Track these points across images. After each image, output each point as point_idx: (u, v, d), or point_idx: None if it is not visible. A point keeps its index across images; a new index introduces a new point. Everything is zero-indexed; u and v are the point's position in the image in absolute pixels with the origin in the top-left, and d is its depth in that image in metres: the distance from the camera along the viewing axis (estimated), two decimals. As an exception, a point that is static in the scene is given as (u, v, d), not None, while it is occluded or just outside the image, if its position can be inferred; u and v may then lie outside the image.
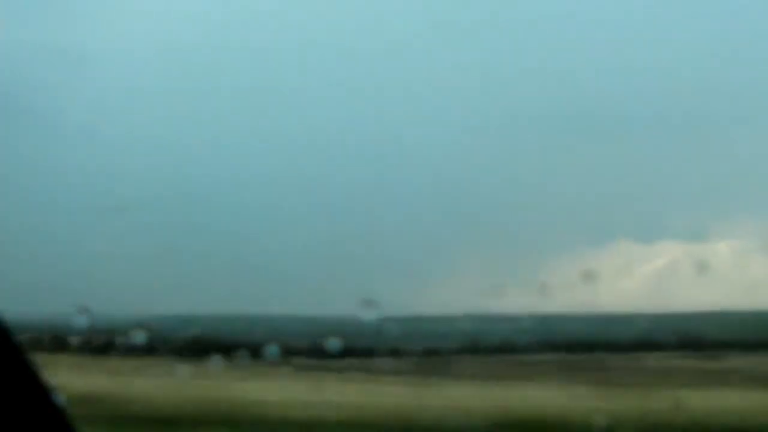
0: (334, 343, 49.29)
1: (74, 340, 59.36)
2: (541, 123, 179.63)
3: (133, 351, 53.01)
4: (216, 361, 46.73)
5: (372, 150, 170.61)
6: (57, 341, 55.37)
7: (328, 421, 31.72)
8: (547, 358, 70.71)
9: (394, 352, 64.85)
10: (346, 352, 55.91)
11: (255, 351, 50.43)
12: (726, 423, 30.68)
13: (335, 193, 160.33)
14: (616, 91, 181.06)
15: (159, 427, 30.85)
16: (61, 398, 2.69)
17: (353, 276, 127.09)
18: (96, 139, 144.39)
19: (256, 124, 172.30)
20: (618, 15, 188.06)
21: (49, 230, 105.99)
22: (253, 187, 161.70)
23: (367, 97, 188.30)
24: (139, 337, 45.86)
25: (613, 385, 48.12)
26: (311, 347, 60.45)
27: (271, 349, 51.00)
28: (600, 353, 76.25)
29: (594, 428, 27.59)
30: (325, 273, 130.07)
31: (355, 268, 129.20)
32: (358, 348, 61.38)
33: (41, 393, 2.64)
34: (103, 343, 59.92)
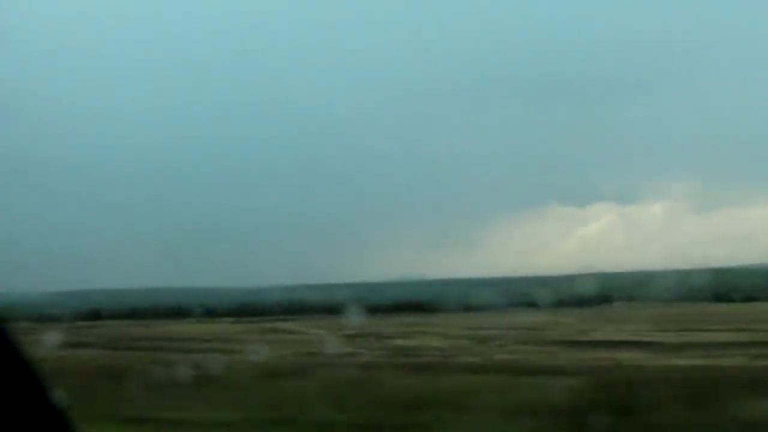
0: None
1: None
2: (472, 91, 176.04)
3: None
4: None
5: (304, 121, 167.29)
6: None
7: None
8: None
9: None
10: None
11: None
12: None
13: (269, 163, 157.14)
14: (543, 57, 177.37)
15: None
16: (61, 397, 2.57)
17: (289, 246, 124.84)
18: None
19: (181, 93, 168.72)
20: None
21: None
22: (181, 156, 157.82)
23: (294, 68, 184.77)
24: None
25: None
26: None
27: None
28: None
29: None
30: (264, 243, 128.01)
31: (291, 237, 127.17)
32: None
33: (40, 393, 2.53)
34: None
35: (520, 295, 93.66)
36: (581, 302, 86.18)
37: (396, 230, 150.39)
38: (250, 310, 74.80)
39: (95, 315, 69.57)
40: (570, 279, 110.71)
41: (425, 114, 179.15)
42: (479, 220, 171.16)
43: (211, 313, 70.11)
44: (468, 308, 79.70)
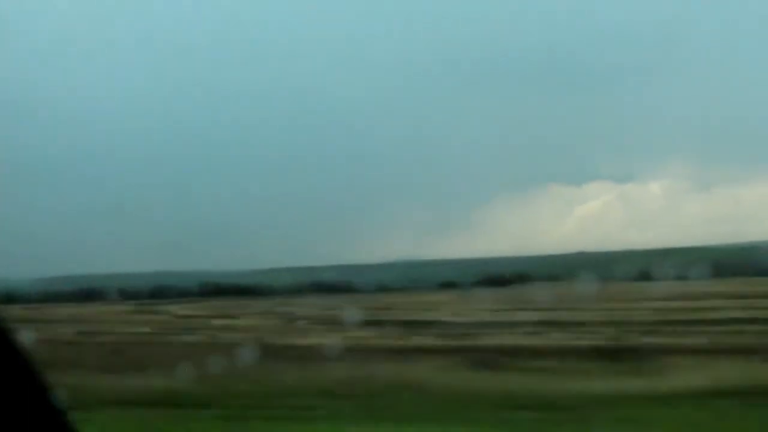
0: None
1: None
2: (469, 75, 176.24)
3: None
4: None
5: (306, 108, 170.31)
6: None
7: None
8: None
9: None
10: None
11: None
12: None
13: (271, 149, 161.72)
14: (541, 42, 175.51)
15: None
16: (60, 397, 2.57)
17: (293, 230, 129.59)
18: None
19: (172, 78, 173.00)
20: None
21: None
22: (183, 144, 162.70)
23: (292, 53, 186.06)
24: None
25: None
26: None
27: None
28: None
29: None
30: (266, 228, 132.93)
31: (293, 221, 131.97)
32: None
33: (40, 393, 2.52)
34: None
35: (476, 275, 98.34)
36: (502, 283, 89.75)
37: (394, 213, 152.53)
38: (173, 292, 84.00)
39: (10, 299, 75.75)
40: (562, 258, 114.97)
41: (423, 98, 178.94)
42: (477, 201, 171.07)
43: (126, 296, 79.42)
44: (383, 289, 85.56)
